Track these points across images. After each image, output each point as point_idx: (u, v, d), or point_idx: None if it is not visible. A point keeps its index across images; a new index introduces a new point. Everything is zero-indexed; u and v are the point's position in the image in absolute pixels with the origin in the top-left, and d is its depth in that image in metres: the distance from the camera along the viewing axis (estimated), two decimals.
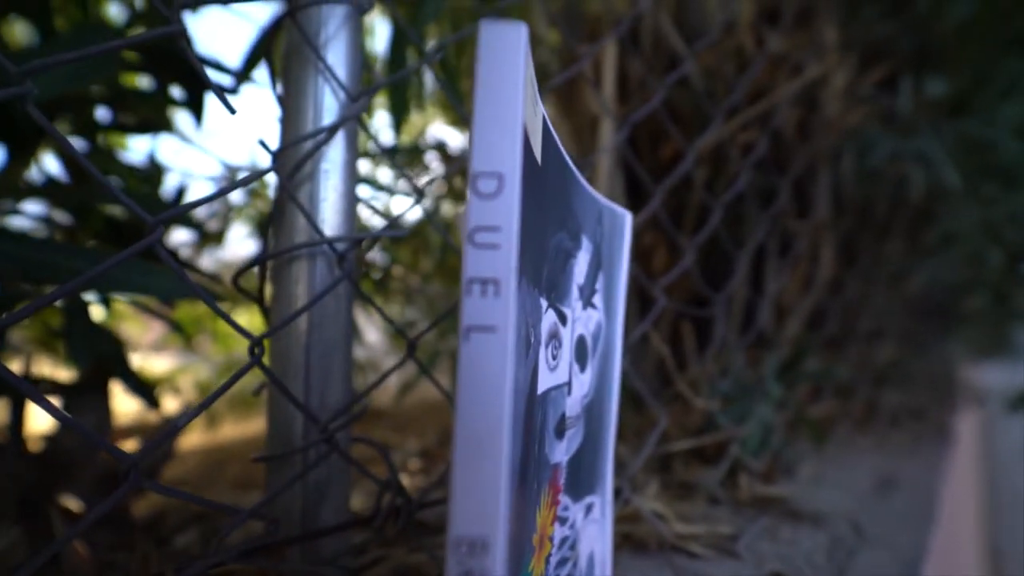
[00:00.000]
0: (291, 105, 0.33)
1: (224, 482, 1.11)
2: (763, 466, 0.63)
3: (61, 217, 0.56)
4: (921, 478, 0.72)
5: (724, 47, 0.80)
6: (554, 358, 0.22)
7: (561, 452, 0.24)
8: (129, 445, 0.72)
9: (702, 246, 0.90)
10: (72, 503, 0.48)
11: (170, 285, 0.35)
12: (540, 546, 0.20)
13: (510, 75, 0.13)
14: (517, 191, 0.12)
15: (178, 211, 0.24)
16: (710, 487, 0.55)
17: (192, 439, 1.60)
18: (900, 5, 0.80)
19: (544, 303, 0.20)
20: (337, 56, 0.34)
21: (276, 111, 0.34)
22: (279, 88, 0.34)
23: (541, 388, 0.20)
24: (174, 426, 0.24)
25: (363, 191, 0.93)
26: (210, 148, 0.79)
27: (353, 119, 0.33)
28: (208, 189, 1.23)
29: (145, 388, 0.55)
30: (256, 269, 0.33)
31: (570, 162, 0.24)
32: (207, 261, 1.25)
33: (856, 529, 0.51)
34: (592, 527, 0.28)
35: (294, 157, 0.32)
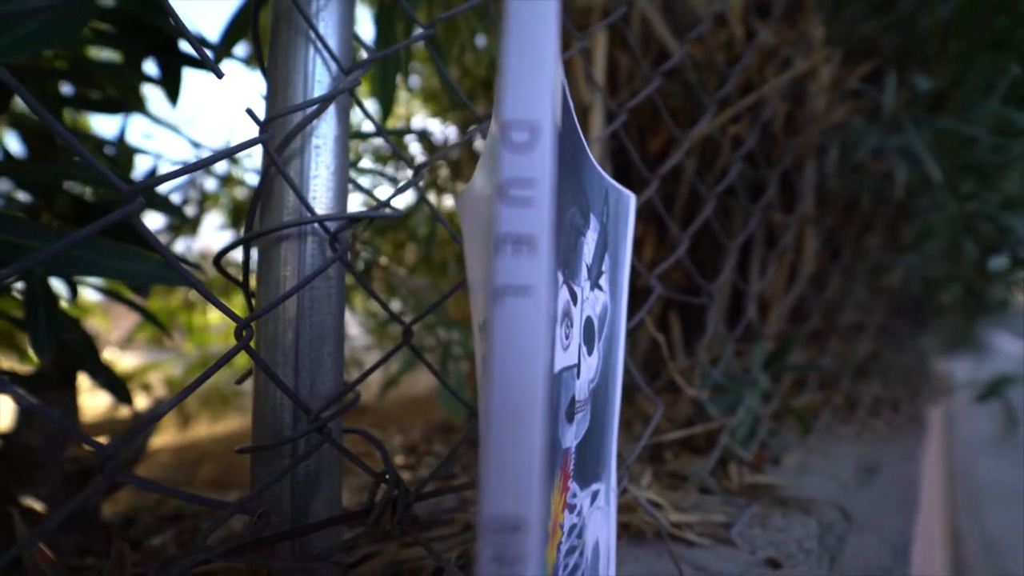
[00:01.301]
0: (279, 76, 0.31)
1: (199, 482, 1.07)
2: (751, 455, 0.63)
3: (20, 197, 0.52)
4: (899, 465, 0.74)
5: (714, 39, 0.80)
6: (567, 337, 0.21)
7: (571, 437, 0.23)
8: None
9: (692, 238, 0.90)
10: (35, 503, 0.45)
11: (147, 269, 0.32)
12: (553, 533, 0.19)
13: (544, 15, 0.12)
14: (551, 140, 0.11)
15: (156, 180, 0.22)
16: (701, 476, 0.55)
17: (164, 438, 1.55)
18: (884, 3, 0.82)
19: (560, 277, 0.19)
20: (329, 26, 0.32)
21: (260, 88, 0.32)
22: (266, 59, 0.32)
23: (556, 367, 0.19)
24: (153, 415, 0.22)
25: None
26: (182, 133, 0.75)
27: (346, 92, 0.31)
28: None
29: (116, 382, 0.52)
30: (240, 250, 0.31)
31: (582, 135, 0.23)
32: (180, 250, 1.20)
33: (844, 515, 0.52)
34: (597, 515, 0.27)
35: (283, 130, 0.30)
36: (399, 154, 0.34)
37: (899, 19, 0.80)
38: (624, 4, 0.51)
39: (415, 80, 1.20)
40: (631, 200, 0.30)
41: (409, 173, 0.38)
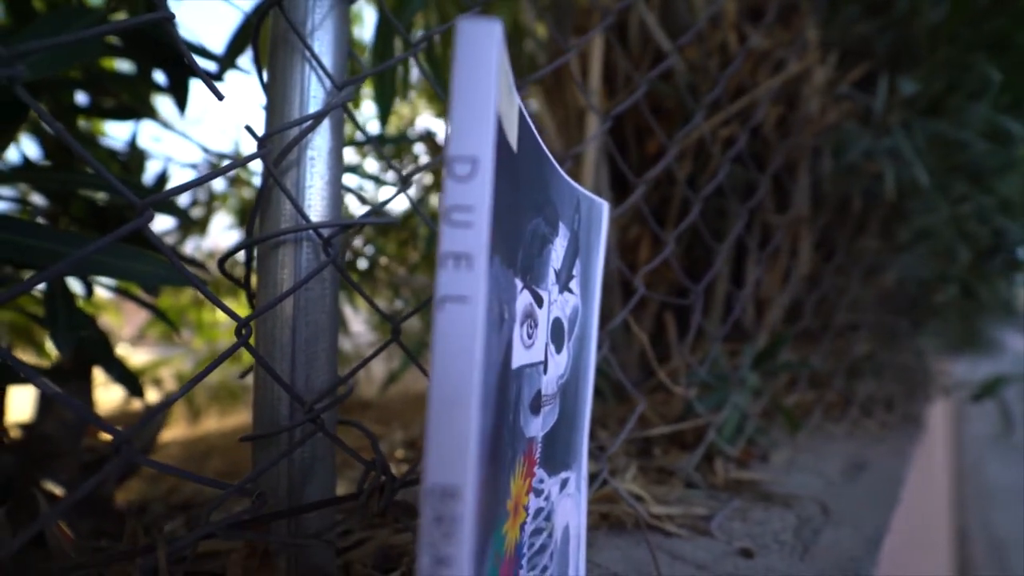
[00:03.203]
0: (277, 92, 0.33)
1: (207, 473, 1.11)
2: (738, 452, 0.65)
3: (37, 201, 0.55)
4: (888, 463, 0.75)
5: (709, 43, 0.81)
6: (529, 337, 0.23)
7: (537, 427, 0.25)
8: (108, 435, 0.72)
9: (686, 240, 0.92)
10: (55, 488, 0.48)
11: (157, 270, 0.35)
12: (515, 512, 0.22)
13: (484, 68, 0.14)
14: (490, 174, 0.13)
15: (166, 194, 0.25)
16: (687, 471, 0.57)
17: (174, 431, 1.59)
18: (879, 6, 0.83)
19: (519, 283, 0.21)
20: (323, 44, 0.34)
21: (259, 98, 0.35)
22: (265, 76, 0.35)
23: (516, 363, 0.21)
24: (164, 403, 0.25)
25: (349, 180, 0.94)
26: (191, 135, 0.78)
27: (339, 107, 0.33)
28: (189, 176, 1.22)
29: (129, 376, 0.55)
30: (242, 254, 0.33)
31: (547, 151, 0.25)
32: (189, 250, 1.24)
33: (824, 509, 0.54)
34: (567, 501, 0.29)
35: (280, 144, 0.32)
36: (390, 164, 0.37)
37: (894, 21, 0.80)
38: (613, 13, 0.53)
39: (416, 77, 1.22)
40: (604, 208, 0.32)
41: (408, 169, 0.40)
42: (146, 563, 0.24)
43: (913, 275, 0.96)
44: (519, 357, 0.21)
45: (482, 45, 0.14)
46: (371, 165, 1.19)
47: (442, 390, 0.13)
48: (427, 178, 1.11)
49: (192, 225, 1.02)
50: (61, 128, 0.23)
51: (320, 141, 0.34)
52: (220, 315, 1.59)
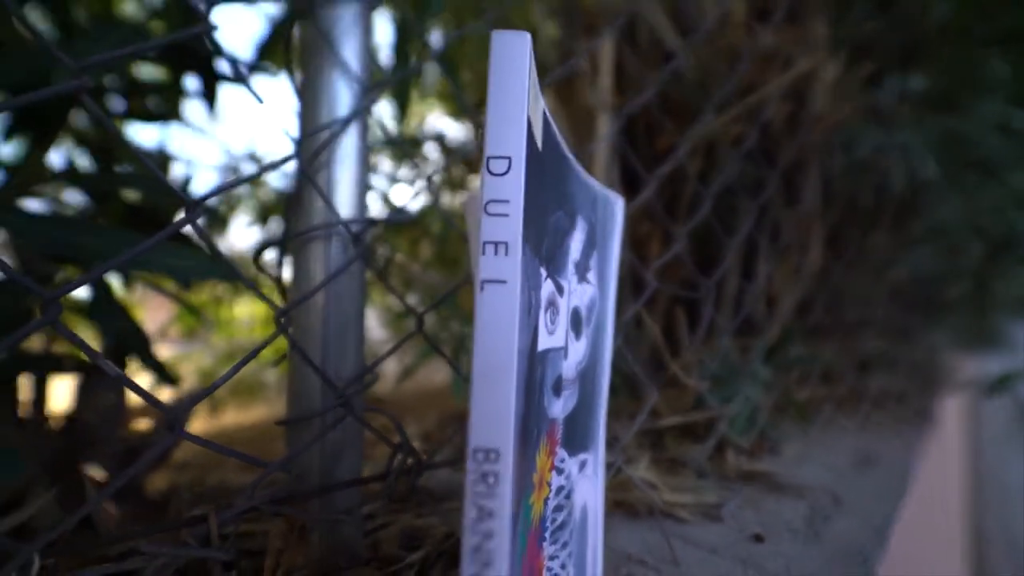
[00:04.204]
0: (308, 97, 0.35)
1: (229, 465, 1.14)
2: (749, 444, 0.66)
3: (75, 201, 0.58)
4: (899, 456, 0.75)
5: (718, 42, 0.82)
6: (552, 323, 0.24)
7: (558, 409, 0.26)
8: (142, 424, 0.75)
9: (697, 236, 0.92)
10: (96, 473, 0.51)
11: (196, 265, 0.37)
12: (539, 486, 0.23)
13: (517, 77, 0.15)
14: (522, 171, 0.15)
15: (216, 192, 0.27)
16: (698, 461, 0.58)
17: (196, 425, 1.64)
18: (888, 2, 0.83)
19: (543, 272, 0.23)
20: (350, 51, 0.36)
21: (274, 100, 0.37)
22: (296, 80, 0.36)
23: (541, 347, 0.23)
24: (213, 385, 0.27)
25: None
26: (214, 137, 0.81)
27: (366, 110, 0.35)
28: (213, 176, 1.25)
29: (162, 367, 0.57)
30: (271, 249, 0.35)
31: (567, 150, 0.26)
32: None
33: (834, 499, 0.55)
34: (585, 482, 0.31)
35: (312, 145, 0.34)
36: (413, 164, 0.38)
37: (903, 17, 0.80)
38: (623, 17, 0.54)
39: (431, 78, 1.23)
40: (619, 203, 0.34)
41: (431, 171, 0.42)
42: (197, 532, 0.26)
43: (925, 270, 0.96)
44: (543, 341, 0.23)
45: (514, 55, 0.16)
46: (385, 164, 1.22)
47: (485, 361, 0.14)
48: (439, 176, 1.13)
49: (217, 222, 1.06)
50: (123, 134, 0.26)
51: (348, 142, 0.36)
52: (238, 312, 1.63)
